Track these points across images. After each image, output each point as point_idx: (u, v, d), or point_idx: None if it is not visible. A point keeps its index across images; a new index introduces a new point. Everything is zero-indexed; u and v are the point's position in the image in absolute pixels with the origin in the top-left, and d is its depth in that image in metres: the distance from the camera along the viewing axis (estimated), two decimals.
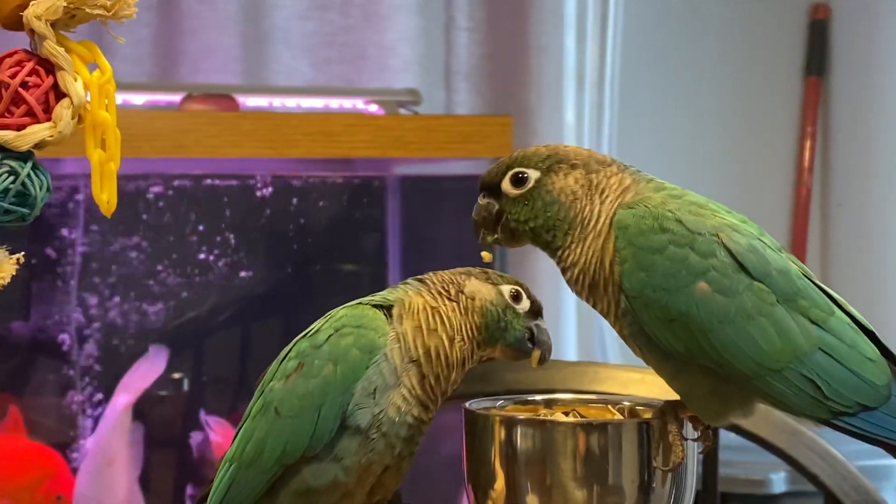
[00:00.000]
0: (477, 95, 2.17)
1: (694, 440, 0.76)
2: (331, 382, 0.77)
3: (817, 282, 0.76)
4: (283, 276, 1.82)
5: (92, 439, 1.61)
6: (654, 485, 0.74)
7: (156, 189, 1.71)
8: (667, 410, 0.75)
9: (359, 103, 1.86)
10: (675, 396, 0.76)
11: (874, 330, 0.75)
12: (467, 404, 0.79)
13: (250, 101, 1.79)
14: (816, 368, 0.71)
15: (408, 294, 0.80)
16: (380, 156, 1.74)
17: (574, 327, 2.11)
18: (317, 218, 1.84)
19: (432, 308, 0.79)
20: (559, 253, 0.76)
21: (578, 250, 0.75)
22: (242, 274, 1.77)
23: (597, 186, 0.75)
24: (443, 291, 0.80)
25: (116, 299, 1.70)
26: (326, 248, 1.85)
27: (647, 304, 0.72)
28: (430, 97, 2.04)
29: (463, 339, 0.80)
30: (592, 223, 0.74)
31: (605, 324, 2.13)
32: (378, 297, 0.81)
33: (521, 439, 0.75)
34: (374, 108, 1.84)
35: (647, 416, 0.78)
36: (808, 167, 2.51)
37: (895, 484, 1.96)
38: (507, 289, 0.81)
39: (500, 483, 0.75)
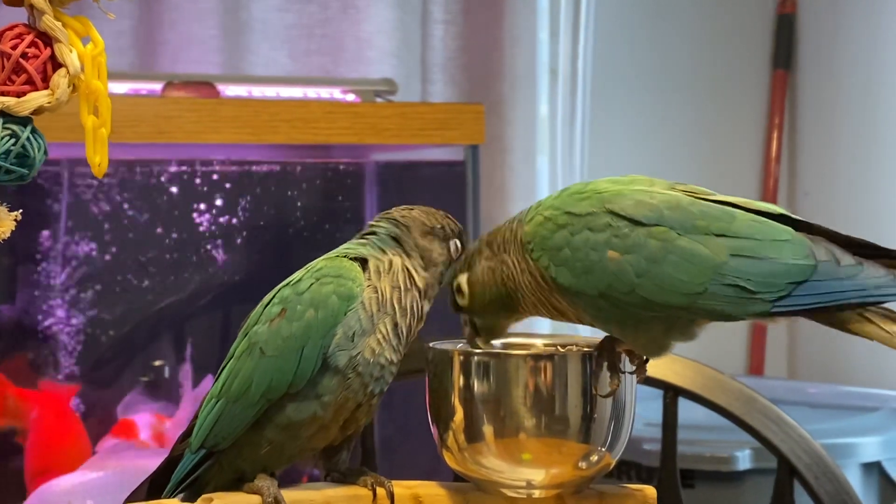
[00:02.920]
0: (452, 86, 2.21)
1: (631, 373, 0.84)
2: (312, 326, 0.83)
3: (716, 197, 0.82)
4: (261, 262, 1.86)
5: None
6: (595, 415, 0.82)
7: (137, 175, 1.75)
8: (605, 345, 0.83)
9: (336, 93, 1.90)
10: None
11: (785, 212, 0.82)
12: (430, 344, 0.86)
13: (230, 91, 1.83)
14: (735, 272, 0.78)
15: (386, 254, 0.87)
16: (357, 142, 1.78)
17: None
18: (295, 204, 1.87)
19: (409, 270, 0.87)
20: (521, 312, 0.86)
21: (527, 297, 0.84)
22: (221, 260, 1.81)
23: (499, 247, 0.85)
24: (419, 261, 0.87)
25: (98, 284, 1.73)
26: (304, 233, 1.89)
27: (579, 290, 0.80)
28: (406, 88, 2.08)
29: (429, 297, 0.88)
30: (515, 272, 0.84)
31: None
32: (353, 251, 0.88)
33: (478, 371, 0.82)
34: (351, 97, 1.89)
35: None
36: (775, 157, 2.56)
37: (858, 461, 2.01)
38: (452, 245, 0.89)
39: (459, 416, 0.82)
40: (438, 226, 0.89)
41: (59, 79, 0.70)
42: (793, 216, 0.82)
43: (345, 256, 0.87)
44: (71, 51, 0.70)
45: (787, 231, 0.80)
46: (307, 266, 0.87)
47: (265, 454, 0.84)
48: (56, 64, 0.71)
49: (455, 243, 0.89)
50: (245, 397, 0.84)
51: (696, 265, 0.78)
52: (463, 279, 0.86)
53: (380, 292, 0.85)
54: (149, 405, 1.70)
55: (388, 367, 0.86)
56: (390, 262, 0.87)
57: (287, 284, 0.87)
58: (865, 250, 0.80)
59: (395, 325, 0.85)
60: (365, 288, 0.85)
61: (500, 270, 0.84)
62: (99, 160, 0.70)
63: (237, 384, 0.84)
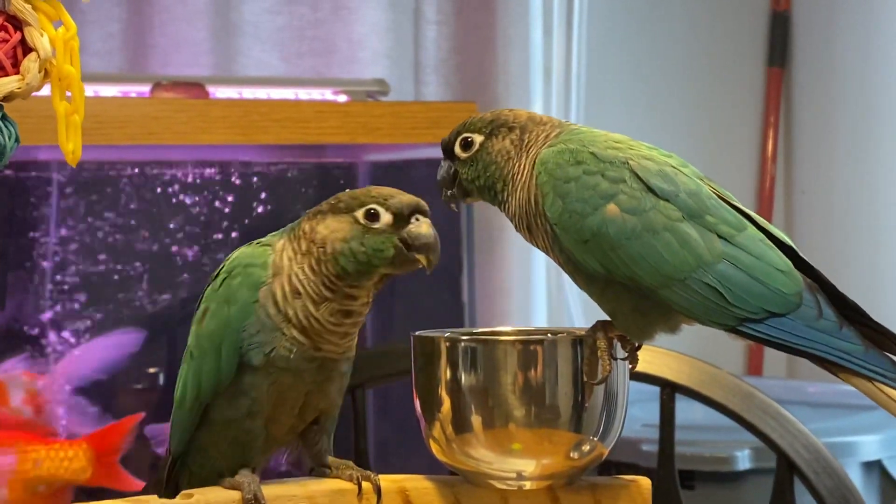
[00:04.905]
0: (445, 87, 2.20)
1: (623, 359, 0.82)
2: (227, 322, 0.81)
3: (737, 204, 0.82)
4: None
5: None
6: (586, 403, 0.80)
7: (127, 177, 1.74)
8: (597, 328, 0.81)
9: (327, 94, 1.89)
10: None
11: (794, 246, 0.81)
12: (416, 333, 0.84)
13: (220, 92, 1.82)
14: (719, 277, 0.77)
15: (278, 252, 0.82)
16: (349, 142, 1.77)
17: (544, 299, 2.15)
18: (288, 204, 1.86)
19: (292, 271, 0.81)
20: (502, 207, 0.84)
21: (513, 202, 0.82)
22: (213, 261, 1.80)
23: (526, 144, 0.83)
24: (299, 247, 0.81)
25: (89, 288, 1.72)
26: None
27: (566, 229, 0.79)
28: (399, 89, 2.07)
29: (326, 298, 0.80)
30: (520, 175, 0.82)
31: (571, 294, 2.19)
32: (266, 239, 0.84)
33: (464, 358, 0.80)
34: (342, 98, 1.88)
35: None
36: (771, 156, 2.56)
37: (858, 460, 1.99)
38: (360, 213, 0.80)
39: (446, 406, 0.80)
40: (336, 202, 0.80)
41: (30, 63, 0.68)
42: (800, 253, 0.81)
43: (264, 242, 0.83)
44: (42, 34, 0.68)
45: (786, 264, 0.79)
46: (227, 256, 0.85)
47: (228, 451, 0.82)
48: (26, 48, 0.69)
49: (367, 210, 0.80)
50: (184, 402, 0.83)
51: (686, 252, 0.77)
52: (478, 139, 0.83)
53: (275, 294, 0.81)
54: (27, 364, 1.65)
55: (321, 360, 0.81)
56: (278, 262, 0.81)
57: (209, 282, 0.84)
58: (855, 314, 0.79)
59: (302, 326, 0.80)
60: (268, 278, 0.81)
61: (511, 165, 0.82)
62: (72, 147, 0.68)
63: (178, 390, 0.83)
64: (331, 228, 0.80)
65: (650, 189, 0.78)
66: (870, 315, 0.79)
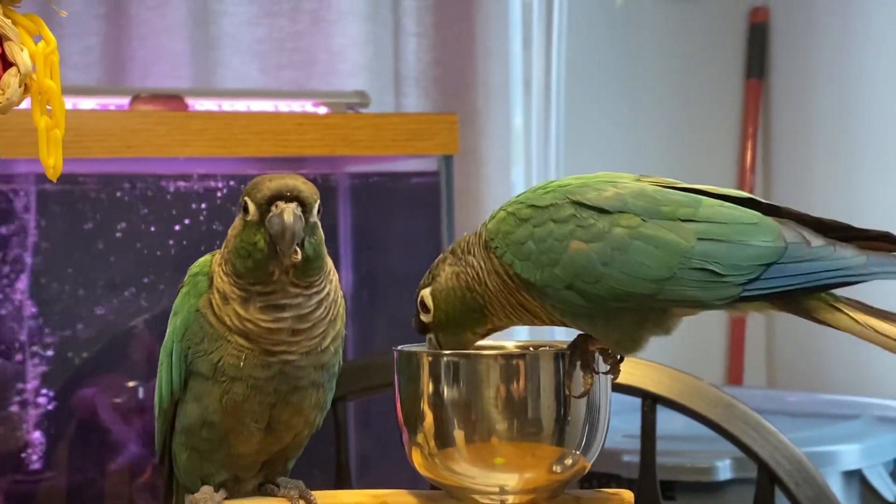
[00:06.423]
0: (425, 99, 2.20)
1: (605, 373, 0.82)
2: (174, 331, 0.81)
3: (682, 185, 0.82)
4: None
5: None
6: (569, 416, 0.80)
7: (105, 188, 1.73)
8: (578, 342, 0.81)
9: (308, 106, 1.89)
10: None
11: (753, 197, 0.81)
12: (399, 347, 0.84)
13: (200, 105, 1.81)
14: (702, 256, 0.77)
15: (216, 260, 0.81)
16: (329, 154, 1.77)
17: None
18: None
19: (218, 276, 0.80)
20: (489, 311, 0.82)
21: (494, 299, 0.81)
22: None
23: (463, 251, 0.83)
24: (223, 252, 0.80)
25: (66, 299, 1.71)
26: None
27: (545, 284, 0.79)
28: (379, 101, 2.07)
29: (246, 298, 0.78)
30: (481, 272, 0.81)
31: None
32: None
33: (447, 373, 0.80)
34: (322, 110, 1.88)
35: None
36: (750, 167, 2.57)
37: (839, 469, 2.00)
38: (242, 208, 0.78)
39: (428, 420, 0.80)
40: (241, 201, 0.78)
41: (10, 78, 0.67)
42: (761, 200, 0.81)
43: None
44: (22, 49, 0.68)
45: (754, 215, 0.79)
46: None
47: (189, 462, 0.83)
48: (7, 63, 0.68)
49: (244, 203, 0.77)
50: (157, 409, 0.84)
51: (662, 250, 0.77)
52: (426, 292, 0.83)
53: (213, 305, 0.80)
54: None
55: (280, 368, 0.80)
56: (212, 275, 0.81)
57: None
58: (837, 233, 0.79)
59: (246, 333, 0.79)
60: (208, 287, 0.80)
61: (466, 274, 0.82)
62: (53, 162, 0.68)
63: (156, 398, 0.85)
64: (232, 227, 0.79)
65: (600, 210, 0.79)
66: (852, 225, 0.79)
